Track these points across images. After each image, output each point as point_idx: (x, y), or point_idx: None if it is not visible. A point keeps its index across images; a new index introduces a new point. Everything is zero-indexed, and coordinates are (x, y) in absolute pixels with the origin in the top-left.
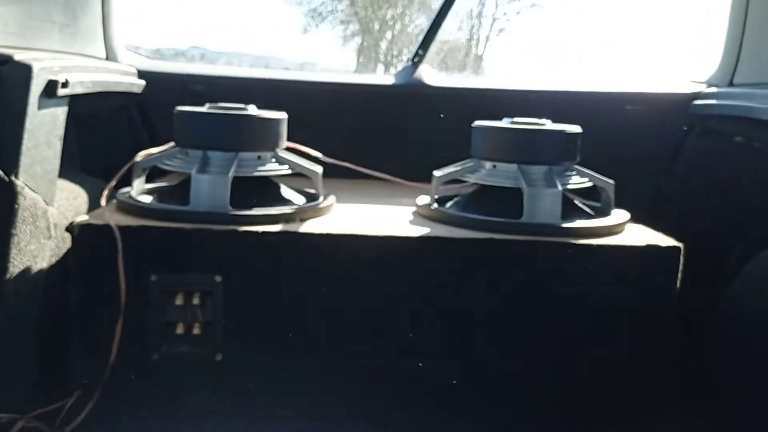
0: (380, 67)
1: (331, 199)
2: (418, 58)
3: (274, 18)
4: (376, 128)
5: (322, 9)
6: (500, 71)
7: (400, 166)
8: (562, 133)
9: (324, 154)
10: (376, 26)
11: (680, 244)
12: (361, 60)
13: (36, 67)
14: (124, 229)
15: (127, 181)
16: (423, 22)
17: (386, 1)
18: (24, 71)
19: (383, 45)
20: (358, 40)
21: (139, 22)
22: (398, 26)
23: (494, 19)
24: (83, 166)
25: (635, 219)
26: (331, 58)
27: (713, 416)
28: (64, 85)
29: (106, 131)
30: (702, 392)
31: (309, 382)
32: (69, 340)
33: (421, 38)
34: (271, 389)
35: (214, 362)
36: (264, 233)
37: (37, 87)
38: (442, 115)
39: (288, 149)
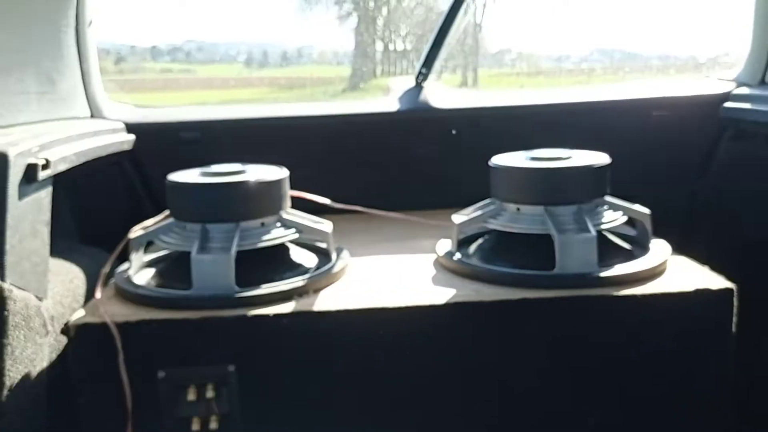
0: (379, 44)
1: (345, 256)
2: (421, 77)
3: (268, 2)
4: (383, 158)
5: None
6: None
7: (411, 196)
8: (589, 168)
9: (329, 187)
10: (371, 3)
11: (733, 285)
12: (358, 39)
13: (12, 154)
14: (122, 326)
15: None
16: None
17: None
18: None
19: (380, 22)
20: (354, 19)
21: (134, 21)
22: (393, 1)
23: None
24: (80, 233)
25: (671, 229)
26: (327, 40)
27: None
28: (45, 166)
29: (101, 193)
30: None
31: None
32: None
33: (423, 56)
34: None
35: None
36: (276, 316)
37: (15, 176)
38: (454, 132)
39: (292, 197)
